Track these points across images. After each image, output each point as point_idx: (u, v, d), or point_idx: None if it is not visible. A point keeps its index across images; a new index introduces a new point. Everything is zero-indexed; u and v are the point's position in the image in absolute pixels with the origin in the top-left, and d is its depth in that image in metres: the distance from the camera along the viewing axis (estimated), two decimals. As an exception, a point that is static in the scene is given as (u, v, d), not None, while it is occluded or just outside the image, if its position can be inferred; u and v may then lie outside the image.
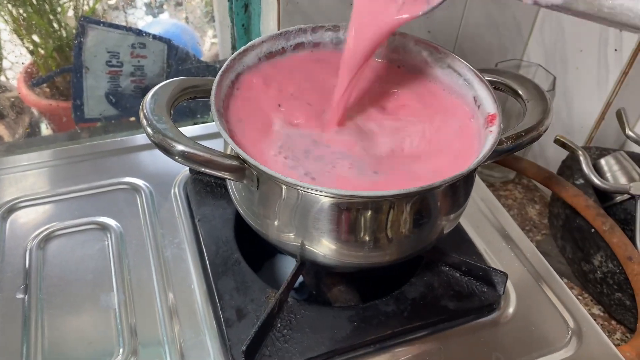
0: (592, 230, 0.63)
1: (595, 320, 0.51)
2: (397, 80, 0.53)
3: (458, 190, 0.44)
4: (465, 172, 0.39)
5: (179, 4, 0.90)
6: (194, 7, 0.90)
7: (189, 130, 0.68)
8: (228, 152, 0.45)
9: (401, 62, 0.54)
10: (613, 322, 0.65)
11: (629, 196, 0.64)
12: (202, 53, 0.91)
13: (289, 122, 0.47)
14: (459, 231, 0.56)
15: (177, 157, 0.41)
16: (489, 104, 0.46)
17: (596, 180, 0.64)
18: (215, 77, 0.46)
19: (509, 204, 0.82)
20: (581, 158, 0.65)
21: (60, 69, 0.80)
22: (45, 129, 0.85)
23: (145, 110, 0.42)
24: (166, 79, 0.82)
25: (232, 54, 0.79)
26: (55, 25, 0.79)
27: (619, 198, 0.66)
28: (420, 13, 0.43)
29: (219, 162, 0.40)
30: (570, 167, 0.71)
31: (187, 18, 0.92)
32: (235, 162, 0.41)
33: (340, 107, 0.47)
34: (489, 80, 0.48)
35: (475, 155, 0.45)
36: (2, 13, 0.74)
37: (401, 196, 0.39)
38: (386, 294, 0.50)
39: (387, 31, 0.44)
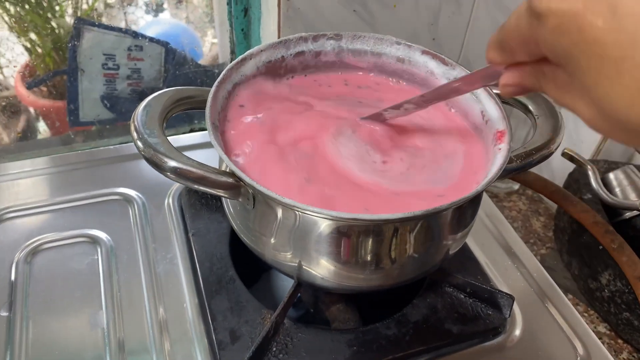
0: (600, 247, 0.61)
1: (601, 338, 0.49)
2: (399, 93, 0.51)
3: (465, 210, 0.42)
4: (473, 194, 0.37)
5: (179, 2, 0.88)
6: (195, 6, 0.88)
7: (185, 138, 0.66)
8: (223, 168, 0.43)
9: (405, 74, 0.52)
10: (620, 341, 0.63)
11: (639, 212, 0.62)
12: (202, 54, 0.89)
13: (290, 137, 0.45)
14: (463, 249, 0.54)
15: (168, 174, 0.39)
16: (498, 120, 0.44)
17: (605, 196, 0.62)
18: (212, 84, 0.44)
19: (513, 216, 0.80)
20: (590, 172, 0.63)
21: (54, 71, 0.78)
22: (41, 129, 0.83)
23: (136, 123, 0.40)
24: (163, 83, 0.81)
25: (231, 58, 0.78)
26: (53, 24, 0.77)
27: (628, 214, 0.64)
28: None
29: (213, 179, 0.38)
30: (577, 180, 0.69)
31: (188, 17, 0.90)
32: (230, 180, 0.39)
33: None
34: (497, 94, 0.46)
35: (482, 170, 0.43)
36: (0, 11, 0.72)
37: (406, 220, 0.37)
38: (387, 314, 0.48)
39: None
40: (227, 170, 0.39)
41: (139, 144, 0.39)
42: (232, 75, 0.46)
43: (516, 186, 0.84)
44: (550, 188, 0.67)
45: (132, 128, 0.40)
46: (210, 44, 0.93)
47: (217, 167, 0.41)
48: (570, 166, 0.72)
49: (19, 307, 0.47)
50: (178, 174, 0.38)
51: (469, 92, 0.43)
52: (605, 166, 0.68)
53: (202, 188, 0.39)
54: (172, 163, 0.38)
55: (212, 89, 0.43)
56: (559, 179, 0.73)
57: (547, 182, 0.67)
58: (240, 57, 0.46)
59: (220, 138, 0.41)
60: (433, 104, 0.44)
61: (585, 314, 0.66)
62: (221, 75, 0.45)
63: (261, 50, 0.48)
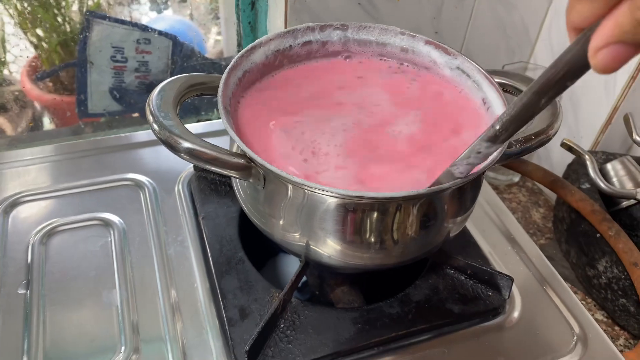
0: (598, 235, 0.63)
1: (598, 325, 0.51)
2: (404, 79, 0.52)
3: (466, 193, 0.43)
4: (474, 175, 0.39)
5: (183, 0, 0.89)
6: (198, 3, 0.89)
7: (192, 128, 0.67)
8: (234, 150, 0.45)
9: (410, 62, 0.53)
10: (616, 327, 0.65)
11: (635, 201, 0.64)
12: (206, 50, 0.91)
13: (298, 121, 0.46)
14: (464, 234, 0.55)
15: (183, 155, 0.40)
16: (499, 107, 0.46)
17: (602, 185, 0.63)
18: (221, 74, 0.45)
19: (513, 207, 0.82)
20: (588, 162, 0.64)
21: (65, 63, 0.80)
22: (48, 124, 0.85)
23: (151, 107, 0.42)
24: (170, 76, 0.83)
25: (238, 51, 0.79)
26: (59, 19, 0.78)
27: (625, 203, 0.66)
28: None
29: (225, 160, 0.40)
30: (576, 171, 0.71)
31: (191, 15, 0.92)
32: (241, 161, 0.40)
33: None
34: (498, 83, 0.48)
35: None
36: (7, 6, 0.73)
37: (409, 198, 0.39)
38: (390, 295, 0.49)
39: None
40: (239, 151, 0.41)
41: (155, 126, 0.40)
42: (242, 63, 0.47)
43: (516, 178, 0.86)
44: (550, 178, 0.68)
45: (148, 111, 0.41)
46: (214, 41, 0.94)
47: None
48: (569, 157, 0.73)
49: (36, 286, 0.49)
50: (192, 154, 0.40)
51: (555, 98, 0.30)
52: (604, 157, 0.70)
53: (214, 168, 0.41)
54: (187, 144, 0.40)
55: (224, 75, 0.45)
56: (558, 171, 0.75)
57: (546, 172, 0.69)
58: (250, 45, 0.48)
59: (232, 121, 0.43)
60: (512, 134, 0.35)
61: (583, 302, 0.67)
62: (232, 62, 0.46)
63: (270, 39, 0.50)
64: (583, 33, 0.24)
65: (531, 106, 0.30)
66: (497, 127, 0.33)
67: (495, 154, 0.41)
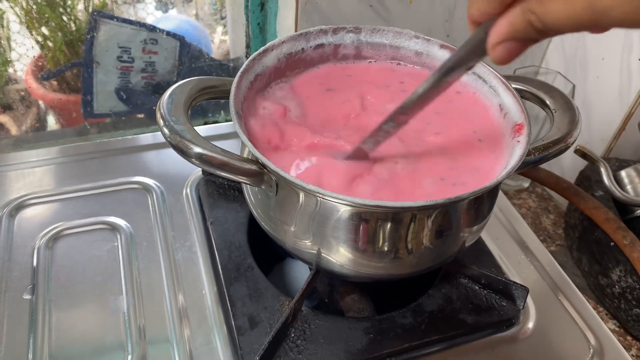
0: (612, 243, 0.61)
1: (614, 337, 0.50)
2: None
3: (483, 201, 0.42)
4: (493, 184, 0.38)
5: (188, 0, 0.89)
6: (203, 3, 0.89)
7: (199, 131, 0.66)
8: (245, 155, 0.44)
9: (424, 66, 0.52)
10: (629, 337, 0.64)
11: (650, 210, 0.63)
12: (212, 50, 0.90)
13: (311, 128, 0.45)
14: (478, 242, 0.54)
15: (194, 160, 0.39)
16: (516, 113, 0.44)
17: (617, 192, 0.62)
18: (229, 76, 0.44)
19: (523, 213, 0.81)
20: (602, 170, 0.63)
21: (71, 63, 0.79)
22: (53, 123, 0.84)
23: (162, 111, 0.41)
24: (177, 76, 0.82)
25: (246, 52, 0.79)
26: (65, 18, 0.77)
27: (639, 211, 0.65)
28: None
29: (237, 166, 0.39)
30: (589, 178, 0.70)
31: (197, 14, 0.91)
32: (253, 167, 0.39)
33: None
34: (515, 88, 0.47)
35: (500, 164, 0.43)
36: (12, 4, 0.73)
37: (425, 208, 0.38)
38: (402, 305, 0.48)
39: None
40: (251, 157, 0.40)
41: (166, 130, 0.40)
42: (254, 66, 0.47)
43: (526, 184, 0.85)
44: (562, 185, 0.67)
45: (159, 115, 0.41)
46: (219, 41, 0.93)
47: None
48: (581, 164, 0.72)
49: (42, 291, 0.48)
50: (203, 160, 0.39)
51: (455, 80, 0.34)
52: (617, 164, 0.69)
53: (225, 174, 0.40)
54: (198, 149, 0.39)
55: (236, 79, 0.44)
56: (570, 177, 0.74)
57: (559, 179, 0.68)
58: (262, 48, 0.47)
59: (244, 126, 0.42)
60: (416, 113, 0.38)
61: (595, 311, 0.67)
62: (244, 66, 0.45)
63: (282, 42, 0.49)
64: (480, 26, 0.28)
65: (435, 86, 0.34)
66: (403, 106, 0.37)
67: (514, 161, 0.40)
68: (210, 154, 0.39)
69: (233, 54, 0.89)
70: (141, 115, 0.84)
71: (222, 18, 0.90)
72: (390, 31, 0.52)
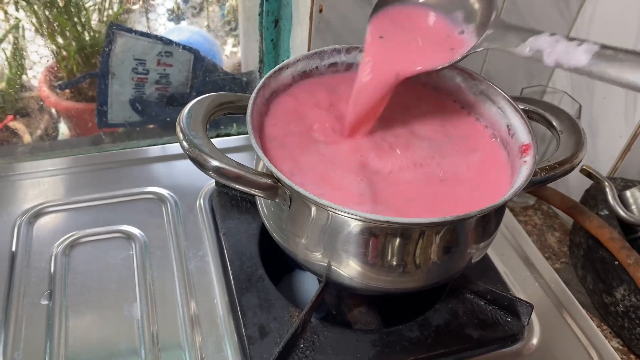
0: (616, 262, 0.62)
1: (617, 355, 0.51)
2: (425, 101, 0.53)
3: (490, 219, 0.44)
4: (500, 203, 0.39)
5: (200, 10, 0.90)
6: (214, 15, 0.90)
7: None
8: (260, 169, 0.45)
9: (433, 85, 0.54)
10: (632, 356, 0.64)
11: (655, 230, 0.64)
12: (222, 62, 0.92)
13: (324, 141, 0.47)
14: (484, 258, 0.55)
15: (211, 172, 0.41)
16: (523, 134, 0.46)
17: (622, 212, 0.63)
18: (242, 89, 0.46)
19: (528, 230, 0.82)
20: (607, 190, 0.64)
21: (88, 73, 0.81)
22: (66, 131, 0.86)
23: (182, 125, 0.42)
24: (190, 89, 0.84)
25: (259, 67, 0.80)
26: (79, 27, 0.79)
27: (643, 231, 0.65)
28: (440, 67, 0.44)
29: (252, 179, 0.41)
30: (594, 197, 0.71)
31: (208, 26, 0.93)
32: (268, 181, 0.41)
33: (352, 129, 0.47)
34: (522, 109, 0.48)
35: (507, 183, 0.45)
36: (28, 13, 0.75)
37: (435, 224, 0.39)
38: (409, 318, 0.49)
39: (404, 78, 0.45)
40: (265, 171, 0.41)
41: (185, 144, 0.41)
42: (270, 83, 0.48)
43: (532, 201, 0.86)
44: (568, 203, 0.68)
45: (178, 129, 0.42)
46: (229, 52, 0.95)
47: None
48: (586, 183, 0.73)
49: (58, 297, 0.49)
50: (220, 173, 0.40)
51: None
52: (622, 184, 0.70)
53: (241, 187, 0.41)
54: (215, 163, 0.40)
55: (253, 95, 0.46)
56: (575, 195, 0.75)
57: (564, 198, 0.69)
58: (278, 66, 0.49)
59: (259, 141, 0.44)
60: None
61: (599, 329, 0.67)
62: (260, 83, 0.47)
63: (297, 60, 0.51)
64: None
65: None
66: None
67: (521, 181, 0.41)
68: (227, 167, 0.40)
69: (245, 67, 0.91)
70: (154, 126, 0.86)
71: (233, 29, 0.92)
72: (402, 51, 0.53)
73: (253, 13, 0.75)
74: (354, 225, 0.40)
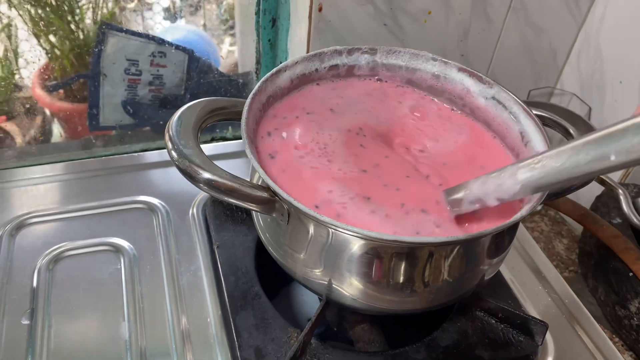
0: (631, 274, 0.59)
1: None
2: (436, 114, 0.50)
3: (504, 235, 0.41)
4: (517, 218, 0.36)
5: (197, 9, 0.88)
6: (211, 13, 0.88)
7: (207, 149, 0.65)
8: (255, 181, 0.42)
9: (442, 92, 0.51)
10: (646, 370, 0.62)
11: (670, 239, 0.61)
12: (219, 61, 0.89)
13: (323, 153, 0.44)
14: (495, 273, 0.52)
15: (202, 185, 0.38)
16: (538, 142, 0.43)
17: (637, 221, 0.60)
18: (238, 92, 0.43)
19: (535, 237, 0.79)
20: (621, 197, 0.61)
21: (78, 74, 0.78)
22: (58, 133, 0.83)
23: (170, 133, 0.39)
24: (185, 90, 0.81)
25: (256, 68, 0.77)
26: (72, 27, 0.77)
27: (658, 241, 0.62)
28: None
29: (247, 193, 0.38)
30: (606, 204, 0.68)
31: (205, 25, 0.90)
32: (264, 194, 0.38)
33: None
34: (536, 115, 0.45)
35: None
36: (21, 12, 0.72)
37: (445, 244, 0.36)
38: (415, 337, 0.46)
39: None
40: (261, 183, 0.38)
41: (174, 154, 0.38)
42: (267, 88, 0.45)
43: (539, 207, 0.83)
44: (579, 211, 0.65)
45: (167, 138, 0.39)
46: (226, 51, 0.92)
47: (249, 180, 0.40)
48: (596, 189, 0.70)
49: (40, 316, 0.46)
50: (212, 186, 0.37)
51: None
52: (635, 190, 0.67)
53: (235, 201, 0.38)
54: (207, 175, 0.37)
55: (247, 101, 0.42)
56: (585, 201, 0.72)
57: (575, 205, 0.66)
58: (275, 70, 0.46)
59: (255, 151, 0.41)
60: None
61: (611, 341, 0.64)
62: (256, 87, 0.44)
63: (296, 63, 0.47)
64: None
65: None
66: None
67: (537, 196, 0.38)
68: (219, 179, 0.37)
69: (242, 67, 0.88)
70: (147, 129, 0.83)
71: (230, 28, 0.89)
72: (407, 53, 0.50)
73: (250, 11, 0.72)
74: (360, 244, 0.37)
